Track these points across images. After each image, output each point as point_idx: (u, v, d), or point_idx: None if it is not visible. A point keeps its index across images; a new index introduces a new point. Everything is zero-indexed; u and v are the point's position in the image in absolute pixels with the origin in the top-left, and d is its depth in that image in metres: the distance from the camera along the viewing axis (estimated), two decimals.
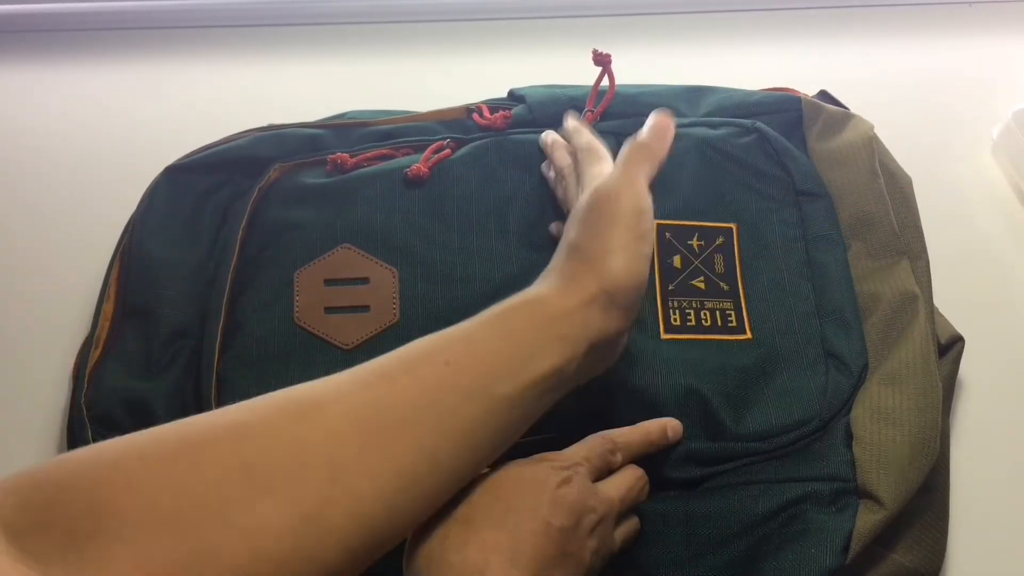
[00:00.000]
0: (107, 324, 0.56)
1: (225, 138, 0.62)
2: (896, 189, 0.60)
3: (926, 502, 0.52)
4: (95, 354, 0.55)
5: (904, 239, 0.58)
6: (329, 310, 0.53)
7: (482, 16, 0.83)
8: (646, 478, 0.49)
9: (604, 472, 0.48)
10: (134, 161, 0.72)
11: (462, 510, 0.42)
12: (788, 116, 0.63)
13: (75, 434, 0.52)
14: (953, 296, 0.60)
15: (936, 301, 0.57)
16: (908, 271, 0.56)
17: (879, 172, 0.60)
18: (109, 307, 0.56)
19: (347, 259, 0.55)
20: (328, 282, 0.54)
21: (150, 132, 0.74)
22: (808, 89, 0.68)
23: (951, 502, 0.54)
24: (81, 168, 0.73)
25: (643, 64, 0.73)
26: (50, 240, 0.68)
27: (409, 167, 0.57)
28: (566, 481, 0.44)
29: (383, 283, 0.54)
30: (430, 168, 0.58)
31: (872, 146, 0.60)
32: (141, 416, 0.52)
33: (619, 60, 0.62)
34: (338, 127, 0.63)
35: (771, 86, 0.68)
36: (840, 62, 0.80)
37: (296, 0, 0.82)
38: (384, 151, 0.60)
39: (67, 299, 0.64)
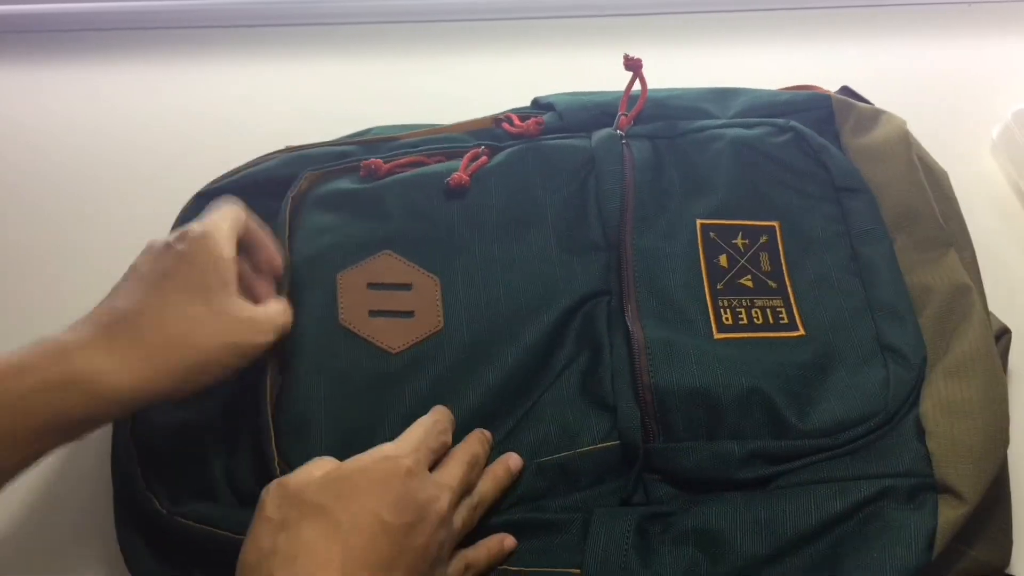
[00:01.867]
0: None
1: (251, 161, 0.60)
2: (935, 182, 0.59)
3: (993, 494, 0.50)
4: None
5: (948, 230, 0.56)
6: (374, 313, 0.52)
7: (485, 16, 0.81)
8: (482, 454, 0.48)
9: (440, 455, 0.46)
10: (134, 161, 0.72)
11: (291, 514, 0.40)
12: (819, 114, 0.62)
13: (123, 468, 0.50)
14: None
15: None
16: (957, 262, 0.55)
17: (918, 166, 0.58)
18: None
19: (389, 265, 0.54)
20: (372, 286, 0.53)
21: (150, 132, 0.73)
22: None
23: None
24: (81, 168, 0.73)
25: (643, 64, 0.73)
26: (50, 240, 0.68)
27: (448, 175, 0.56)
28: (408, 474, 0.42)
29: (426, 290, 0.53)
30: (470, 175, 0.56)
31: (908, 140, 0.59)
32: (192, 446, 0.50)
33: (618, 60, 0.62)
34: (366, 143, 0.61)
35: (776, 87, 0.66)
36: (840, 62, 0.79)
37: (296, 0, 0.81)
38: (415, 158, 0.59)
39: (67, 301, 0.64)
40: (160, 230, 0.60)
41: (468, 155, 0.59)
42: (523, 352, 0.52)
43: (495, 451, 0.50)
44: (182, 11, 0.81)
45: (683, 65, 0.72)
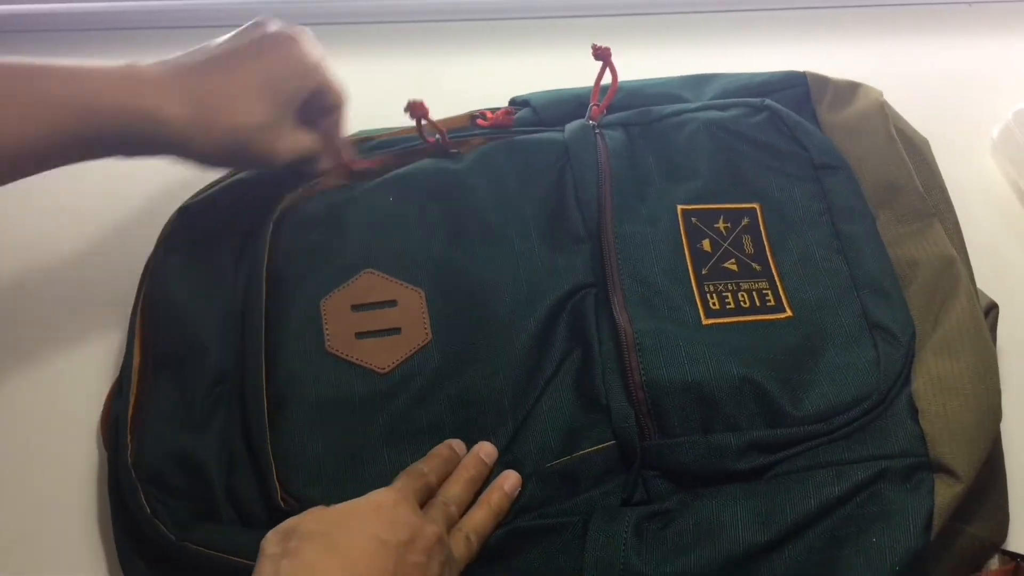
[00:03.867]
0: (137, 378, 0.52)
1: (230, 171, 0.59)
2: (915, 152, 0.57)
3: (988, 470, 0.49)
4: (130, 410, 0.51)
5: (932, 201, 0.55)
6: (360, 335, 0.51)
7: (482, 16, 0.80)
8: (477, 474, 0.48)
9: (425, 492, 0.46)
10: (134, 161, 0.73)
11: (291, 544, 0.40)
12: (795, 92, 0.61)
13: (125, 496, 0.48)
14: None
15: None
16: (942, 233, 0.54)
17: (896, 137, 0.57)
18: (137, 360, 0.52)
19: (372, 284, 0.52)
20: (356, 307, 0.52)
21: None
22: None
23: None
24: (81, 168, 0.73)
25: (643, 64, 0.73)
26: (49, 240, 0.68)
27: (426, 174, 0.55)
28: (396, 503, 0.43)
29: (411, 304, 0.52)
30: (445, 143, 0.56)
31: (885, 111, 0.58)
32: (193, 472, 0.49)
33: (618, 60, 0.59)
34: None
35: None
36: (840, 62, 0.79)
37: (296, 0, 0.81)
38: (384, 159, 0.58)
39: (67, 300, 0.64)
40: (158, 230, 0.60)
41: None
42: (514, 355, 0.51)
43: (499, 465, 0.49)
44: (182, 11, 0.80)
45: (683, 65, 0.72)
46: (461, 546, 0.45)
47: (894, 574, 0.45)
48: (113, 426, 0.51)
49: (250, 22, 0.51)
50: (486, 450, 0.49)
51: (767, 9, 0.80)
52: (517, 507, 0.48)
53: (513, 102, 0.63)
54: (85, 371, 0.59)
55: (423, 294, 0.52)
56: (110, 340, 0.59)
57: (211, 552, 0.46)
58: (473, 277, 0.53)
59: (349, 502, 0.43)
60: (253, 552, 0.41)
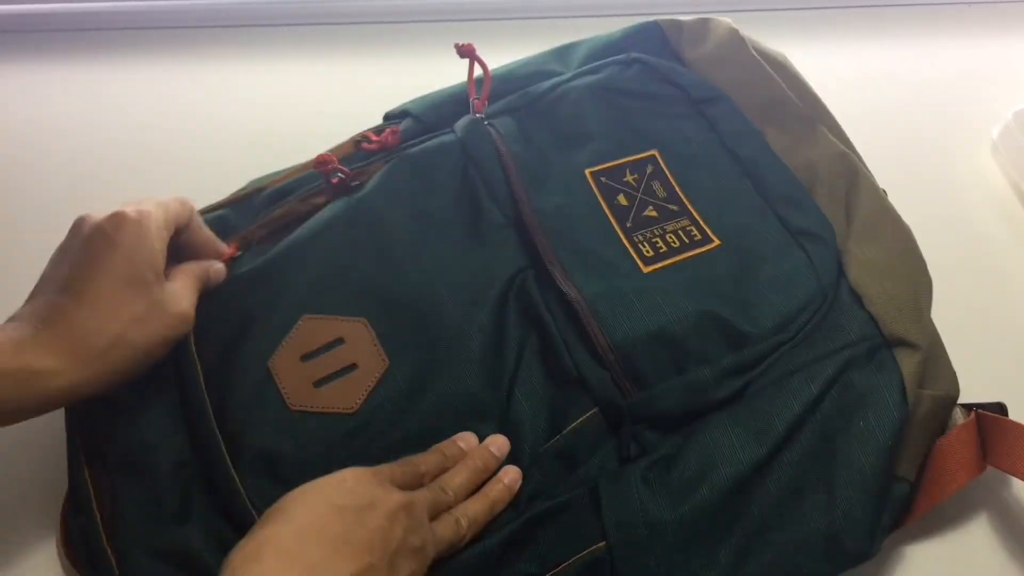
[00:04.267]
0: (94, 492, 0.49)
1: None
2: (779, 68, 0.60)
3: (930, 332, 0.52)
4: (100, 525, 0.48)
5: (808, 107, 0.58)
6: (318, 383, 0.49)
7: (482, 16, 0.80)
8: (482, 464, 0.48)
9: (411, 479, 0.46)
10: (134, 161, 0.73)
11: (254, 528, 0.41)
12: (653, 41, 0.64)
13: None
14: (953, 296, 0.57)
15: (936, 300, 0.54)
16: (826, 134, 0.57)
17: (759, 58, 0.60)
18: (87, 472, 0.49)
19: (312, 329, 0.51)
20: (305, 357, 0.50)
21: (150, 132, 0.72)
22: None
23: None
24: (81, 168, 0.72)
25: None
26: (50, 239, 0.68)
27: (334, 220, 0.54)
28: (363, 473, 0.44)
29: (358, 336, 0.51)
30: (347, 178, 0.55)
31: (740, 36, 0.61)
32: (189, 564, 0.47)
33: None
34: (237, 202, 0.58)
35: None
36: (840, 62, 0.79)
37: (296, 0, 0.81)
38: (287, 209, 0.56)
39: None
40: None
41: (332, 185, 0.56)
42: (473, 355, 0.50)
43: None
44: (182, 11, 0.80)
45: None
46: (448, 527, 0.45)
47: (888, 450, 0.48)
48: (84, 546, 0.48)
49: (72, 225, 0.48)
50: (498, 443, 0.49)
51: (767, 9, 0.80)
52: (526, 496, 0.48)
53: (389, 117, 0.63)
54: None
55: (366, 323, 0.51)
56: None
57: None
58: (411, 293, 0.52)
59: (317, 479, 0.43)
60: None
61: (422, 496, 0.45)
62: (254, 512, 0.46)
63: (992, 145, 0.71)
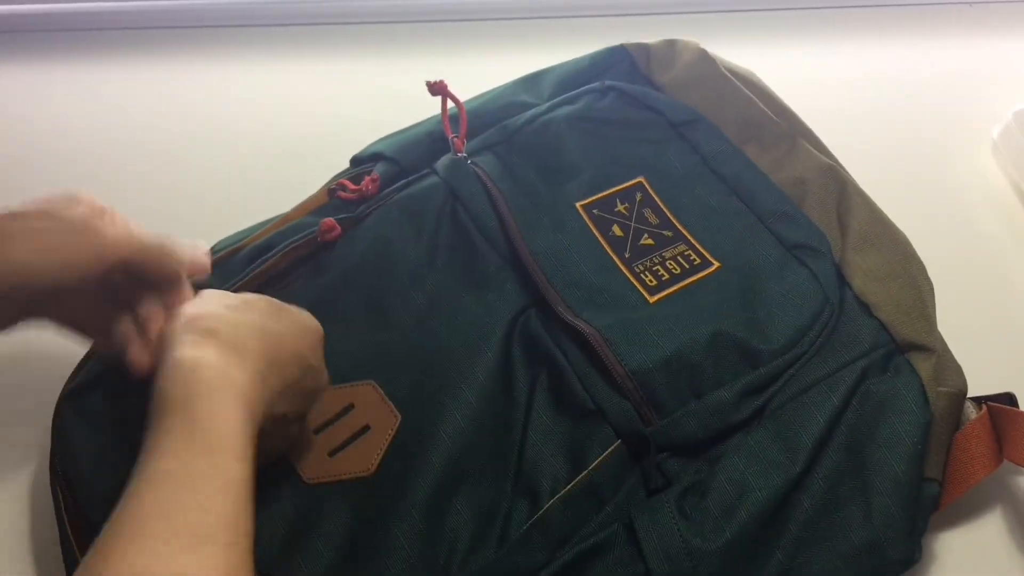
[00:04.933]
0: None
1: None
2: (750, 85, 0.61)
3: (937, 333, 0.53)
4: None
5: (785, 122, 0.59)
6: (333, 452, 0.48)
7: (481, 16, 0.79)
8: None
9: None
10: (134, 161, 0.73)
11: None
12: (623, 66, 0.64)
13: None
14: (953, 296, 0.56)
15: (936, 300, 0.54)
16: (809, 148, 0.58)
17: (730, 77, 0.60)
18: (74, 541, 0.47)
19: (323, 402, 0.48)
20: (317, 430, 0.49)
21: (150, 132, 0.72)
22: (811, 89, 0.67)
23: None
24: (81, 167, 0.70)
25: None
26: None
27: (316, 287, 0.53)
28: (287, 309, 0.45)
29: (368, 399, 0.50)
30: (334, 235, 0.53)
31: (709, 57, 0.61)
32: None
33: None
34: (215, 264, 0.52)
35: (776, 86, 0.67)
36: (840, 62, 0.79)
37: (296, 0, 0.81)
38: (272, 263, 0.53)
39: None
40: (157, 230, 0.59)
41: (318, 234, 0.54)
42: (482, 401, 0.49)
43: (515, 506, 0.47)
44: (182, 11, 0.79)
45: None
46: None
47: (918, 454, 0.48)
48: None
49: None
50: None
51: (768, 9, 0.80)
52: (554, 540, 0.47)
53: (358, 160, 0.60)
54: None
55: (374, 384, 0.50)
56: None
57: None
58: (415, 347, 0.51)
59: (284, 306, 0.45)
60: None
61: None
62: None
63: (992, 145, 0.71)
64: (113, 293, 0.45)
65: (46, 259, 0.41)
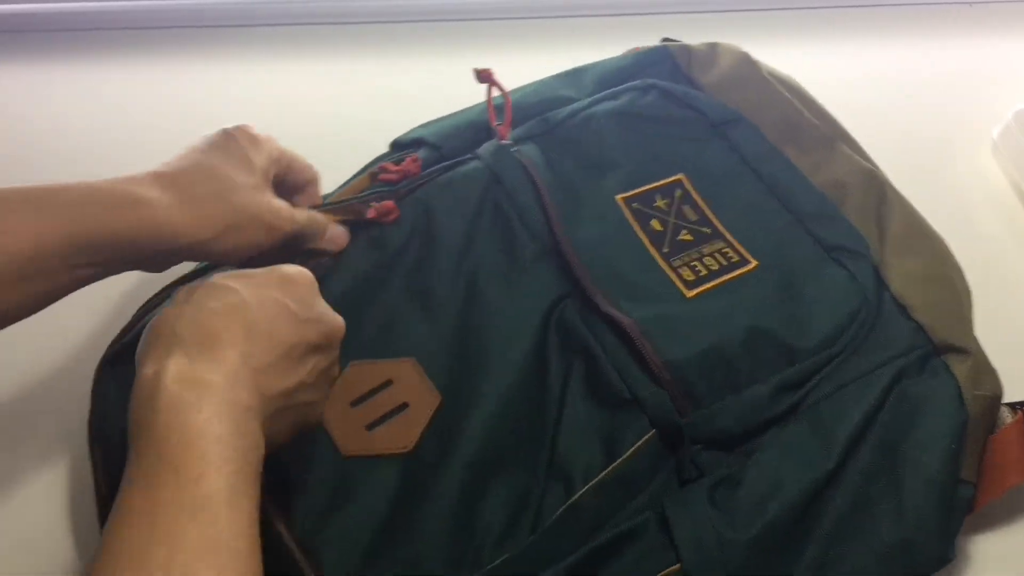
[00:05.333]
0: None
1: (148, 302, 0.54)
2: (792, 90, 0.61)
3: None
4: None
5: (825, 126, 0.59)
6: (370, 427, 0.49)
7: (481, 16, 0.80)
8: None
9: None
10: (133, 161, 0.73)
11: (198, 292, 0.39)
12: (664, 66, 0.64)
13: None
14: None
15: None
16: (848, 152, 0.58)
17: (771, 80, 0.61)
18: None
19: (359, 374, 0.50)
20: (355, 403, 0.49)
21: (150, 132, 0.71)
22: (811, 89, 0.67)
23: None
24: (81, 168, 0.72)
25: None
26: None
27: (367, 257, 0.53)
28: (312, 283, 0.43)
29: (407, 376, 0.50)
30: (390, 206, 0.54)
31: (751, 60, 0.62)
32: None
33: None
34: None
35: None
36: (840, 62, 0.79)
37: (296, 0, 0.81)
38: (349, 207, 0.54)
39: (66, 300, 0.63)
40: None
41: (373, 210, 0.55)
42: (517, 387, 0.50)
43: (548, 490, 0.47)
44: (182, 11, 0.79)
45: None
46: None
47: (952, 454, 0.48)
48: None
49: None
50: None
51: (768, 9, 0.80)
52: (587, 527, 0.47)
53: (399, 145, 0.61)
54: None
55: (413, 361, 0.51)
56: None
57: None
58: (453, 331, 0.52)
59: (266, 268, 0.43)
60: None
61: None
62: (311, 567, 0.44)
63: (992, 145, 0.71)
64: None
65: (221, 245, 0.47)
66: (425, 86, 0.74)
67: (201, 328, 0.38)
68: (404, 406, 0.50)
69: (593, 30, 0.80)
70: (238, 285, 0.40)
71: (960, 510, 0.48)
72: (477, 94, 0.65)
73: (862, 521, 0.47)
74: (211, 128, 0.72)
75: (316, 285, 0.44)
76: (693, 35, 0.71)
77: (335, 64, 0.78)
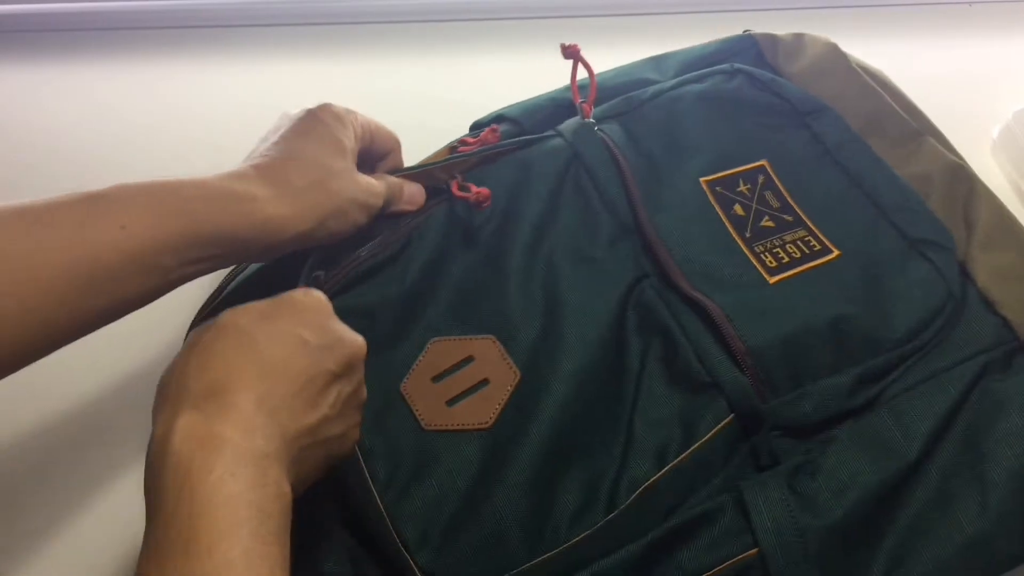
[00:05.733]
0: None
1: (231, 272, 0.54)
2: (882, 83, 0.61)
3: None
4: None
5: (916, 120, 0.58)
6: (451, 402, 0.49)
7: (482, 16, 0.79)
8: None
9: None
10: (133, 161, 0.73)
11: (207, 335, 0.38)
12: (749, 54, 0.64)
13: None
14: None
15: None
16: (937, 146, 0.57)
17: (860, 72, 0.60)
18: None
19: (442, 351, 0.50)
20: (435, 379, 0.49)
21: (149, 132, 0.72)
22: None
23: None
24: (80, 168, 0.70)
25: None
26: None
27: (449, 222, 0.53)
28: (324, 306, 0.42)
29: (488, 353, 0.50)
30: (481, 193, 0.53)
31: (840, 51, 0.61)
32: None
33: (621, 60, 0.61)
34: None
35: None
36: None
37: (296, 0, 0.81)
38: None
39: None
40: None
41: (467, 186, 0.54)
42: (595, 364, 0.50)
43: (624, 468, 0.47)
44: (182, 11, 0.79)
45: None
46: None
47: None
48: None
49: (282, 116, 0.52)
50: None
51: (767, 9, 0.80)
52: (662, 509, 0.47)
53: (478, 125, 0.61)
54: None
55: (494, 339, 0.51)
56: None
57: None
58: (533, 308, 0.52)
59: (272, 298, 0.41)
60: None
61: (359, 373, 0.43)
62: (397, 538, 0.45)
63: (992, 145, 0.71)
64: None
65: (324, 231, 0.48)
66: (424, 86, 0.73)
67: (209, 376, 0.36)
68: (484, 382, 0.50)
69: (593, 30, 0.80)
70: (245, 321, 0.38)
71: None
72: (481, 95, 0.65)
73: (943, 514, 0.47)
74: (209, 129, 0.72)
75: (329, 307, 0.42)
76: (694, 36, 0.71)
77: (335, 64, 0.78)
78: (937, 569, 0.46)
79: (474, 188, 0.53)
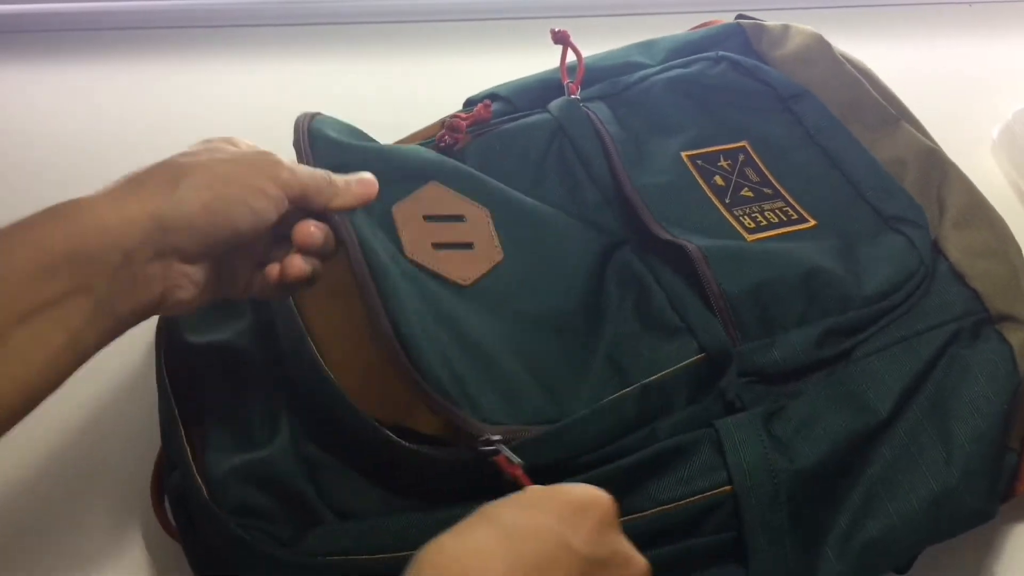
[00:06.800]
0: (183, 432, 0.48)
1: None
2: (863, 72, 0.63)
3: None
4: (191, 461, 0.47)
5: (895, 107, 0.60)
6: (437, 246, 0.50)
7: (480, 16, 0.81)
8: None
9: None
10: (133, 161, 0.73)
11: (466, 524, 0.35)
12: (736, 41, 0.66)
13: (219, 533, 0.44)
14: None
15: None
16: (912, 131, 0.59)
17: (843, 61, 0.62)
18: (180, 429, 0.49)
19: (438, 196, 0.52)
20: (427, 218, 0.51)
21: (148, 132, 0.72)
22: None
23: None
24: (80, 168, 0.70)
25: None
26: None
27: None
28: (610, 513, 0.37)
29: (479, 221, 0.52)
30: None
31: (825, 41, 0.63)
32: (277, 487, 0.46)
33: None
34: None
35: None
36: None
37: (296, 0, 0.81)
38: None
39: None
40: None
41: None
42: (573, 299, 0.51)
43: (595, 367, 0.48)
44: (182, 11, 0.79)
45: None
46: None
47: (1003, 414, 0.48)
48: (179, 506, 0.49)
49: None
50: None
51: (767, 9, 0.80)
52: (629, 419, 0.46)
53: (471, 101, 0.62)
54: None
55: (488, 212, 0.53)
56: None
57: (344, 558, 0.44)
58: (525, 213, 0.54)
59: (555, 487, 0.37)
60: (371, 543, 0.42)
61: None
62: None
63: (992, 145, 0.71)
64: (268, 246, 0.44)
65: (240, 207, 0.41)
66: (424, 86, 0.73)
67: (458, 567, 0.33)
68: (470, 245, 0.51)
69: (593, 29, 0.80)
70: (506, 511, 0.35)
71: (1006, 474, 0.49)
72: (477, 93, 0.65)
73: (909, 469, 0.47)
74: (209, 129, 0.72)
75: (614, 515, 0.37)
76: None
77: (335, 64, 0.78)
78: (902, 523, 0.46)
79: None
